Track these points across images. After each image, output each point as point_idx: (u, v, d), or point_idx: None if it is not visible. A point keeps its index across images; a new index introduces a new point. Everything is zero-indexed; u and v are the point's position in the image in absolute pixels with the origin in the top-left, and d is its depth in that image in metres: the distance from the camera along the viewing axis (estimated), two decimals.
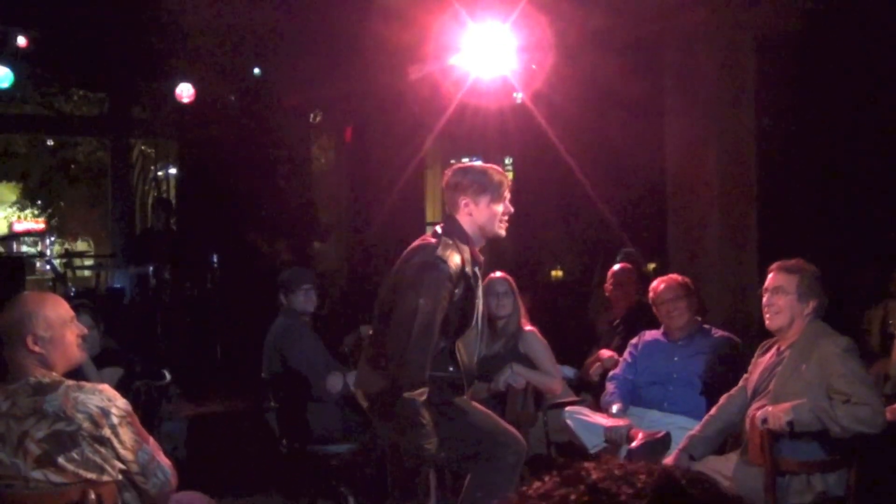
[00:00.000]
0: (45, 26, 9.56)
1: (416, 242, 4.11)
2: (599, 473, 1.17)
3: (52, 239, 20.11)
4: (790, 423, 3.85)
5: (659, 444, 4.70)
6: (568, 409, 5.15)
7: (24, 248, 19.83)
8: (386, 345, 3.95)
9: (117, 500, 3.23)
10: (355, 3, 8.53)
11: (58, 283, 10.85)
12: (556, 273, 10.94)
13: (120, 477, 3.23)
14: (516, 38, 7.29)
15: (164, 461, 3.38)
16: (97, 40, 10.00)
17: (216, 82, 10.91)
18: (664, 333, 5.28)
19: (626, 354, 5.38)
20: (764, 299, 4.25)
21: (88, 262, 14.70)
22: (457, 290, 3.95)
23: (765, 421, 3.92)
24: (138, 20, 9.47)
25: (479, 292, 4.18)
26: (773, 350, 4.28)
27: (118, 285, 11.96)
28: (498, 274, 5.61)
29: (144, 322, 9.70)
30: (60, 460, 3.11)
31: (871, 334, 5.49)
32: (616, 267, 6.45)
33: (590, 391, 5.83)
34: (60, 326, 3.28)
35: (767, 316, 4.22)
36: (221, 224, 10.81)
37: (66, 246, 20.08)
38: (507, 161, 13.02)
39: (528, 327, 5.54)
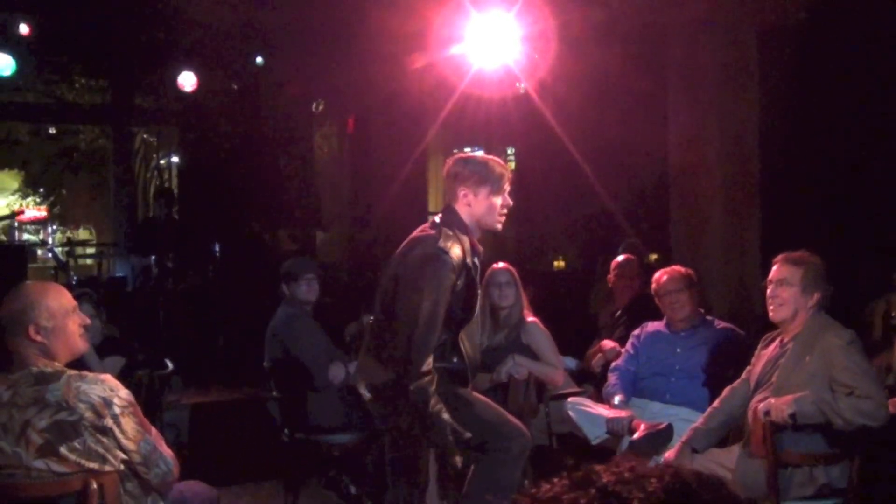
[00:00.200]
0: (47, 14, 9.54)
1: (415, 233, 4.09)
2: (610, 476, 1.16)
3: (55, 227, 20.14)
4: (793, 416, 3.85)
5: (661, 436, 4.69)
6: (570, 400, 5.15)
7: (26, 237, 19.86)
8: (389, 337, 3.94)
9: (119, 490, 3.24)
10: None
11: (60, 271, 10.84)
12: (559, 263, 10.94)
13: (122, 467, 3.23)
14: (520, 28, 7.28)
15: (166, 451, 3.38)
16: (99, 28, 9.98)
17: (218, 71, 10.90)
18: (667, 325, 5.28)
19: (628, 346, 5.38)
20: (768, 291, 4.24)
21: (90, 250, 14.70)
22: (459, 282, 3.94)
23: (767, 413, 3.91)
24: (140, 8, 9.45)
25: (478, 282, 4.17)
26: (777, 342, 4.27)
27: (120, 274, 11.97)
28: (500, 264, 5.60)
29: (146, 311, 9.70)
30: (62, 450, 3.11)
31: (873, 327, 5.49)
32: (619, 258, 6.44)
33: (592, 382, 5.82)
34: (63, 316, 3.28)
35: (771, 308, 4.21)
36: (223, 213, 10.80)
37: (68, 234, 20.08)
38: (510, 151, 13.02)
39: (530, 318, 5.54)
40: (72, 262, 11.77)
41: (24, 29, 9.29)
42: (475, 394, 4.21)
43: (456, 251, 3.91)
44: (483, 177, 4.03)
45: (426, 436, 3.90)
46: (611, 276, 6.40)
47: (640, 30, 7.85)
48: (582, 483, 1.17)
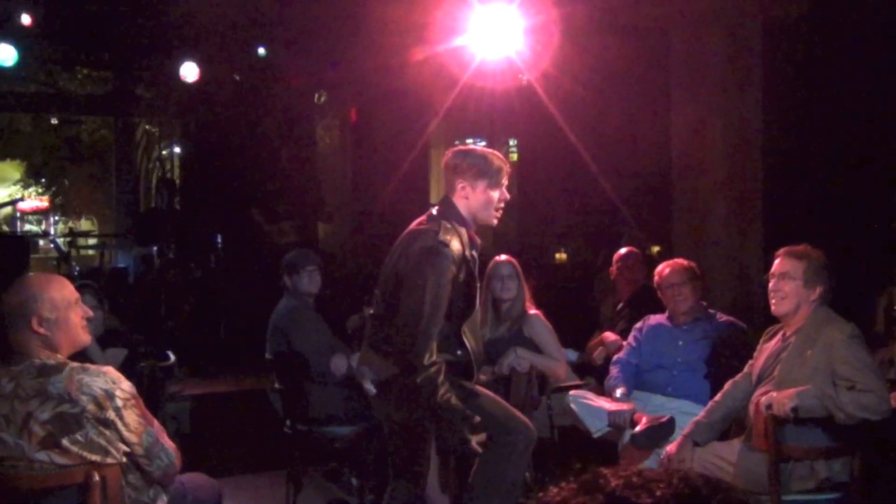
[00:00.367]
0: (49, 4, 9.53)
1: (413, 227, 4.09)
2: (618, 481, 1.15)
3: (56, 218, 20.16)
4: (794, 409, 3.84)
5: (663, 429, 4.70)
6: (572, 393, 5.15)
7: (28, 227, 19.88)
8: (392, 332, 3.95)
9: (121, 483, 3.24)
10: None
11: (62, 262, 10.86)
12: (560, 256, 10.93)
13: (124, 459, 3.24)
14: (522, 20, 7.26)
15: (168, 444, 3.39)
16: (102, 19, 9.96)
17: (221, 62, 10.89)
18: (669, 318, 5.28)
19: (630, 338, 5.38)
20: (770, 285, 4.23)
21: (92, 241, 14.72)
22: (460, 274, 3.94)
23: (769, 407, 3.91)
24: None
25: (477, 275, 4.17)
26: (779, 336, 4.27)
27: (122, 265, 11.98)
28: (503, 257, 5.60)
29: (148, 302, 9.71)
30: (65, 442, 3.11)
31: (876, 320, 5.48)
32: (622, 250, 6.44)
33: (593, 375, 5.82)
34: (65, 308, 3.28)
35: (773, 301, 4.21)
36: (225, 204, 10.80)
37: (70, 225, 20.10)
38: (512, 142, 13.00)
39: (532, 311, 5.53)
40: (74, 252, 11.78)
41: (26, 19, 9.28)
42: (480, 388, 4.21)
43: (455, 244, 3.92)
44: (481, 170, 4.03)
45: (439, 425, 3.90)
46: (613, 269, 6.40)
47: (643, 22, 7.83)
48: (590, 487, 1.16)
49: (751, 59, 7.05)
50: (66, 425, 3.12)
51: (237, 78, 11.46)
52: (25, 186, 20.29)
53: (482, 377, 4.30)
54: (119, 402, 3.19)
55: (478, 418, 3.89)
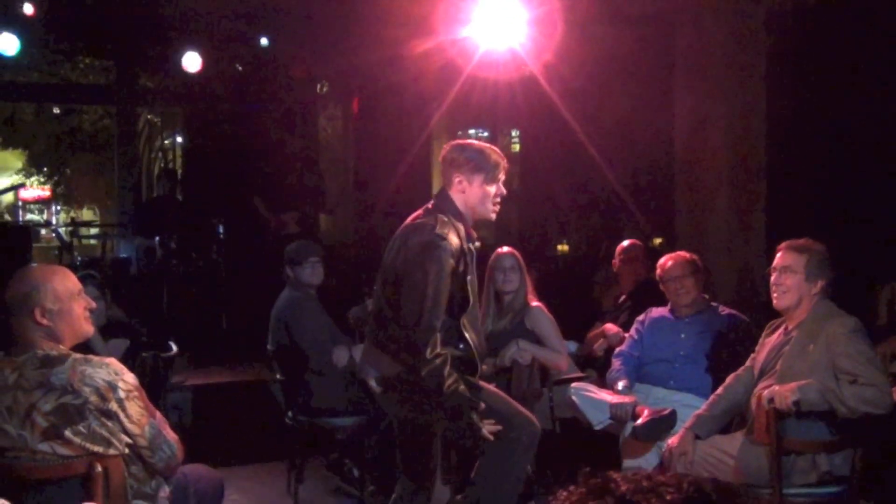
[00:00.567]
0: None
1: (409, 221, 4.10)
2: (628, 485, 1.15)
3: (58, 207, 20.16)
4: (796, 403, 3.85)
5: (664, 422, 4.70)
6: (574, 385, 5.14)
7: (30, 217, 19.88)
8: (395, 328, 3.96)
9: (124, 474, 3.25)
10: None
11: (64, 251, 10.86)
12: (562, 247, 10.92)
13: (126, 451, 3.24)
14: (526, 11, 7.24)
15: (171, 435, 3.39)
16: (104, 8, 9.95)
17: (223, 52, 10.87)
18: (671, 310, 5.28)
19: (632, 331, 5.38)
20: (772, 278, 4.23)
21: (94, 231, 14.72)
22: (459, 267, 3.95)
23: (771, 400, 3.91)
24: None
25: (474, 269, 4.17)
26: (781, 330, 4.27)
27: (124, 255, 11.97)
28: (505, 249, 5.60)
29: (150, 292, 9.71)
30: (67, 433, 3.12)
31: (878, 314, 5.48)
32: (624, 243, 6.43)
33: (595, 367, 5.83)
34: (68, 299, 3.28)
35: (775, 295, 4.21)
36: (227, 195, 10.80)
37: (72, 214, 20.10)
38: (514, 133, 12.97)
39: (534, 303, 5.53)
40: (76, 242, 11.78)
41: (28, 9, 9.27)
42: (485, 384, 4.21)
43: (453, 237, 3.93)
44: (479, 164, 4.04)
45: (448, 417, 3.90)
46: (616, 261, 6.39)
47: (646, 12, 7.81)
48: (599, 491, 1.16)
49: (754, 51, 7.02)
50: (69, 416, 3.12)
51: (239, 68, 11.46)
52: (27, 175, 20.28)
53: (483, 367, 4.31)
54: (122, 394, 3.19)
55: (483, 405, 3.90)
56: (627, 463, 4.85)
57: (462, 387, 3.85)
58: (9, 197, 19.68)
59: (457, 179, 4.05)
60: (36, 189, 20.89)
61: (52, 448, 3.12)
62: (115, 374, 3.21)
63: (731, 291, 6.67)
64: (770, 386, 4.01)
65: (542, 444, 4.32)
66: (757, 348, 4.40)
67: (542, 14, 7.34)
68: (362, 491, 5.74)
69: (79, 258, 10.78)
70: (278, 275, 6.09)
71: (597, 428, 4.98)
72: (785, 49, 6.99)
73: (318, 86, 12.58)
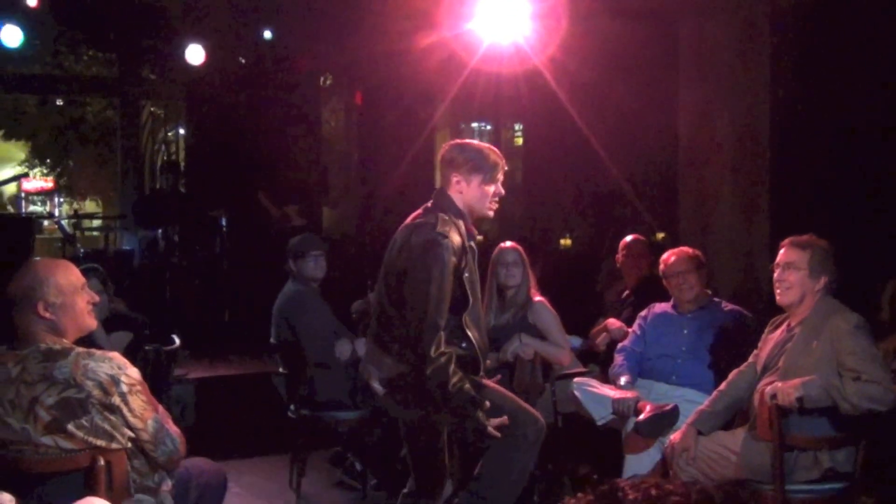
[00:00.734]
0: None
1: (409, 221, 4.11)
2: (636, 494, 1.15)
3: (61, 199, 20.16)
4: (799, 399, 3.84)
5: (667, 417, 4.69)
6: (576, 380, 5.14)
7: (33, 208, 19.90)
8: (398, 329, 3.96)
9: (126, 467, 3.25)
10: None
11: (67, 244, 10.85)
12: (565, 242, 10.91)
13: (129, 445, 3.25)
14: (530, 4, 7.23)
15: (173, 429, 3.39)
16: (108, 0, 9.94)
17: (227, 45, 10.86)
18: (674, 306, 5.27)
19: (635, 326, 5.37)
20: (775, 274, 4.23)
21: (97, 223, 14.72)
22: (461, 265, 3.95)
23: (774, 397, 3.91)
24: None
25: (476, 266, 4.18)
26: (784, 326, 4.26)
27: (127, 247, 11.98)
28: (508, 243, 5.59)
29: (153, 285, 9.71)
30: (70, 427, 3.12)
31: (881, 310, 5.47)
32: (628, 238, 6.41)
33: (597, 362, 5.82)
34: (72, 293, 3.28)
35: (778, 291, 4.20)
36: (230, 187, 10.79)
37: (75, 206, 20.10)
38: (518, 127, 12.97)
39: (537, 298, 5.53)
40: (78, 234, 11.79)
41: (32, 1, 9.26)
42: (488, 382, 4.22)
43: (454, 235, 3.95)
44: (477, 165, 4.05)
45: (454, 416, 3.90)
46: (619, 256, 6.38)
47: (650, 6, 7.79)
48: (608, 500, 1.16)
49: (759, 46, 7.01)
50: (72, 410, 3.12)
51: (243, 61, 11.44)
52: (30, 167, 20.28)
53: (488, 363, 4.31)
54: (124, 388, 3.19)
55: (487, 403, 3.91)
56: (629, 458, 4.85)
57: (467, 385, 3.86)
58: (11, 188, 19.67)
59: (455, 179, 4.07)
60: (39, 180, 20.88)
61: (55, 441, 3.13)
62: (119, 369, 3.21)
63: (734, 287, 6.67)
64: (773, 382, 4.00)
65: (544, 438, 4.32)
66: (760, 344, 4.40)
67: (546, 8, 7.33)
68: (364, 484, 5.75)
69: (82, 250, 10.78)
70: (281, 268, 6.10)
71: (599, 423, 4.98)
72: (789, 44, 6.98)
73: (322, 79, 12.58)
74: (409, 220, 4.11)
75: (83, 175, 20.57)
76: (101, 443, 3.16)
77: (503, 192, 4.15)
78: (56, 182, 20.71)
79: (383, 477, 5.68)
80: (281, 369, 5.89)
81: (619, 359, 5.24)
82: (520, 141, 12.88)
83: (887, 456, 4.15)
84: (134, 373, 3.26)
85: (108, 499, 3.06)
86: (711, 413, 4.39)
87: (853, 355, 3.89)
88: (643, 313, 5.38)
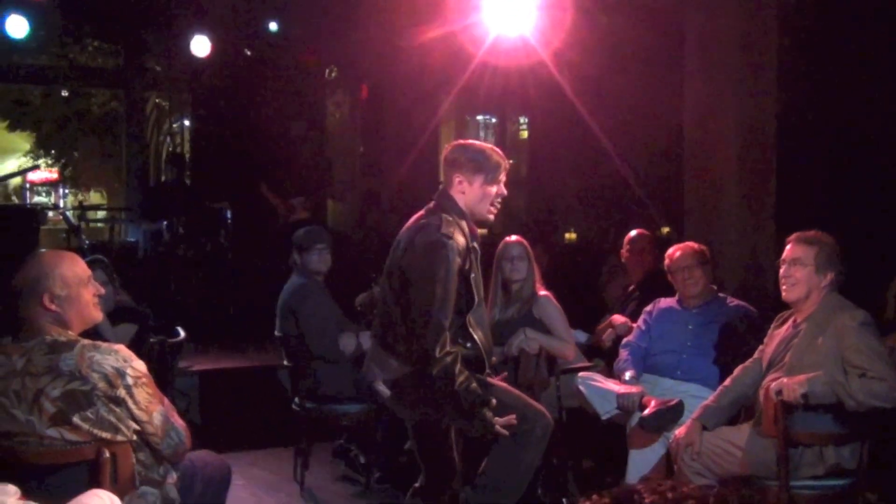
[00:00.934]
0: None
1: (411, 222, 4.11)
2: (652, 496, 1.14)
3: (66, 190, 20.17)
4: (805, 396, 3.84)
5: (671, 412, 4.69)
6: (581, 375, 5.14)
7: (38, 199, 19.91)
8: (402, 330, 3.97)
9: (132, 460, 3.25)
10: None
11: (71, 235, 10.85)
12: (570, 236, 10.90)
13: (134, 437, 3.25)
14: None
15: (179, 422, 3.40)
16: None
17: (232, 36, 10.86)
18: (679, 301, 5.27)
19: (640, 321, 5.37)
20: (781, 271, 4.22)
21: (102, 214, 14.72)
22: (465, 265, 3.96)
23: (779, 393, 3.91)
24: None
25: (479, 267, 4.18)
26: (790, 322, 4.26)
27: (132, 239, 11.98)
28: (513, 238, 5.59)
29: (158, 277, 9.72)
30: (75, 419, 3.12)
31: (887, 307, 5.46)
32: (632, 233, 6.39)
33: (602, 357, 5.82)
34: (77, 285, 3.28)
35: (784, 287, 4.19)
36: (235, 179, 10.79)
37: (80, 197, 20.11)
38: (523, 120, 12.95)
39: (542, 292, 5.52)
40: (83, 225, 11.78)
41: None
42: (493, 380, 4.22)
43: (458, 236, 3.95)
44: (479, 165, 4.06)
45: (461, 415, 3.91)
46: (624, 252, 6.37)
47: (657, 1, 7.77)
48: (624, 502, 1.15)
49: (766, 39, 6.97)
50: (77, 402, 3.13)
51: (248, 53, 11.43)
52: (35, 158, 20.28)
53: (494, 360, 4.32)
54: (130, 381, 3.19)
55: (493, 401, 3.91)
56: (634, 453, 4.85)
57: (473, 384, 3.86)
58: (16, 179, 19.68)
59: (457, 179, 4.07)
60: (44, 171, 20.89)
61: (60, 433, 3.13)
62: (124, 361, 3.21)
63: (740, 282, 6.65)
64: (778, 378, 4.00)
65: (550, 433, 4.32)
66: (765, 340, 4.39)
67: (553, 0, 7.31)
68: (368, 477, 5.76)
69: (86, 241, 10.78)
70: (285, 260, 6.10)
71: (604, 418, 4.98)
72: (796, 38, 6.96)
73: (327, 71, 12.56)
74: (411, 220, 4.12)
75: (88, 166, 20.58)
76: (106, 435, 3.16)
77: (506, 192, 4.16)
78: (61, 173, 20.71)
79: (387, 470, 5.69)
80: (285, 362, 5.89)
81: (623, 354, 5.24)
82: (525, 134, 12.87)
83: (892, 452, 4.15)
84: (139, 365, 3.26)
85: (113, 491, 3.06)
86: (716, 408, 4.39)
87: (859, 352, 3.89)
88: (648, 308, 5.38)
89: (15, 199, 20.10)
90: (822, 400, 3.86)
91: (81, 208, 12.72)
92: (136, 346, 4.69)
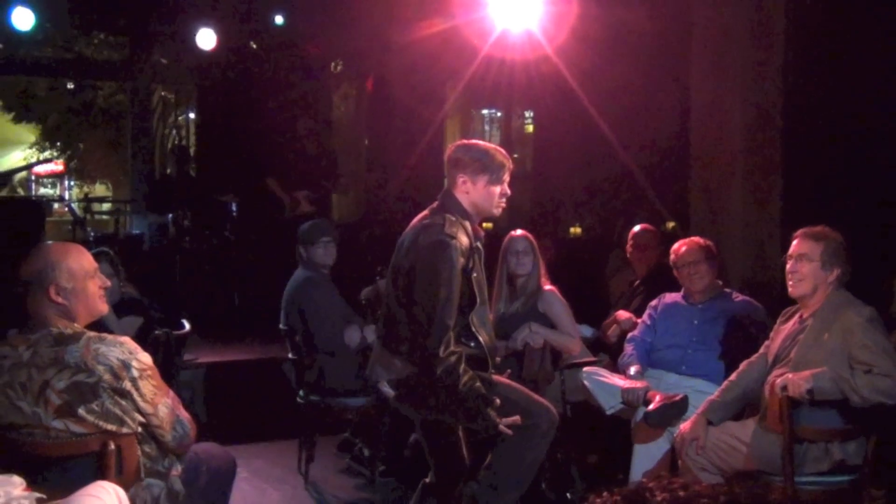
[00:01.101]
0: None
1: (415, 222, 4.12)
2: (664, 494, 1.14)
3: (71, 182, 20.19)
4: (810, 391, 3.83)
5: (676, 407, 4.69)
6: (586, 369, 5.14)
7: (43, 191, 19.94)
8: (406, 330, 3.98)
9: (137, 452, 3.26)
10: None
11: (77, 227, 10.88)
12: (575, 230, 10.89)
13: (139, 429, 3.25)
14: None
15: (184, 415, 3.41)
16: None
17: (238, 29, 10.85)
18: (684, 296, 5.26)
19: (645, 316, 5.36)
20: (787, 266, 4.21)
21: (107, 206, 14.74)
22: (469, 265, 3.97)
23: (784, 388, 3.90)
24: None
25: (482, 267, 4.19)
26: (796, 318, 4.25)
27: (137, 231, 12.00)
28: (518, 232, 5.58)
29: (163, 269, 9.73)
30: (81, 411, 3.13)
31: (893, 303, 5.45)
32: (636, 228, 6.38)
33: (607, 351, 5.81)
34: (83, 278, 3.28)
35: (790, 283, 4.18)
36: (240, 172, 10.80)
37: (86, 189, 20.13)
38: (528, 114, 12.94)
39: (547, 286, 5.52)
40: (88, 217, 11.81)
41: None
42: (497, 377, 4.22)
43: (462, 236, 3.97)
44: (483, 165, 4.07)
45: (465, 415, 3.91)
46: (628, 247, 6.36)
47: None
48: (635, 501, 1.15)
49: (772, 32, 6.96)
50: (83, 394, 3.13)
51: (254, 46, 11.43)
52: (40, 150, 20.30)
53: (498, 359, 4.32)
54: (135, 373, 3.20)
55: (497, 401, 3.91)
56: (638, 448, 4.85)
57: (478, 384, 3.87)
58: (22, 172, 19.69)
59: (461, 180, 4.08)
60: (49, 163, 20.89)
61: (66, 425, 3.14)
62: (129, 353, 3.22)
63: (746, 278, 6.64)
64: (784, 374, 4.00)
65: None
66: (771, 335, 4.38)
67: None
68: (372, 470, 5.76)
69: (92, 234, 10.81)
70: (291, 253, 6.10)
71: (608, 412, 4.98)
72: (803, 30, 6.93)
73: (333, 64, 12.56)
74: (415, 220, 4.13)
75: (93, 158, 20.58)
76: (111, 427, 3.17)
77: (509, 192, 4.17)
78: (66, 165, 20.72)
79: (391, 463, 5.69)
80: (290, 355, 5.89)
81: (628, 348, 5.24)
82: (530, 128, 12.86)
83: None
84: (145, 358, 3.27)
85: (118, 483, 3.06)
86: (722, 403, 4.38)
87: (865, 348, 3.88)
88: (653, 303, 5.37)
89: (20, 191, 20.10)
90: (828, 396, 3.85)
91: (87, 200, 12.75)
92: (142, 339, 4.71)
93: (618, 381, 5.00)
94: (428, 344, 3.84)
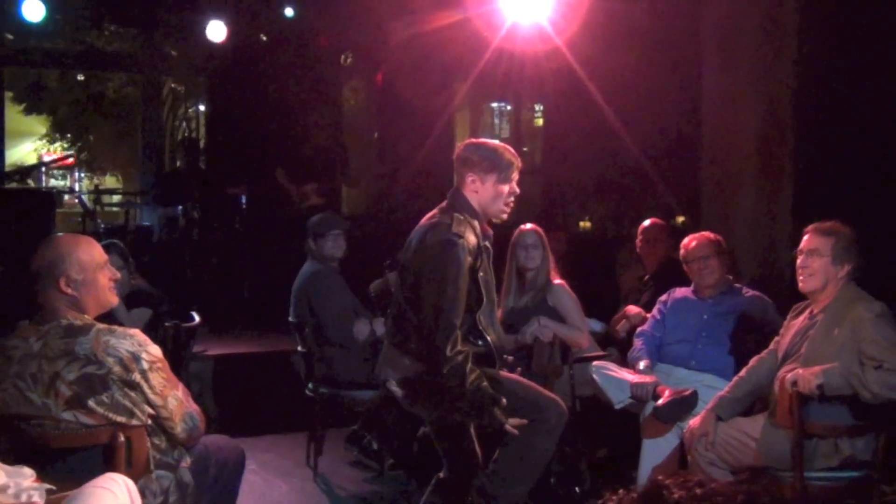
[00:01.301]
0: None
1: (424, 221, 4.13)
2: (681, 492, 1.14)
3: (81, 174, 20.23)
4: (820, 387, 3.82)
5: (685, 402, 4.68)
6: (595, 364, 5.13)
7: (53, 182, 19.97)
8: (413, 329, 3.98)
9: (146, 444, 3.27)
10: None
11: (87, 218, 10.90)
12: (585, 224, 10.87)
13: (149, 421, 3.26)
14: None
15: (193, 407, 3.42)
16: None
17: (248, 21, 10.85)
18: (694, 291, 5.24)
19: (654, 311, 5.35)
20: (798, 261, 4.20)
21: (117, 198, 14.76)
22: (476, 265, 3.97)
23: (794, 384, 3.89)
24: None
25: (491, 266, 4.19)
26: (806, 313, 4.24)
27: (146, 223, 12.02)
28: (528, 226, 5.58)
29: (172, 261, 9.74)
30: (90, 403, 3.14)
31: None
32: (646, 222, 6.37)
33: (617, 346, 5.81)
34: (94, 270, 3.29)
35: (801, 278, 4.17)
36: (250, 165, 10.80)
37: (95, 181, 20.15)
38: (538, 108, 12.90)
39: (557, 280, 5.51)
40: (98, 209, 11.82)
41: None
42: (504, 373, 4.22)
43: (470, 235, 3.98)
44: (493, 164, 4.08)
45: (473, 414, 3.91)
46: (638, 241, 6.35)
47: None
48: (652, 499, 1.15)
49: (785, 27, 6.93)
50: (92, 386, 3.14)
51: (264, 38, 11.42)
52: (51, 141, 20.33)
53: (509, 358, 4.33)
54: (145, 365, 3.21)
55: (504, 400, 3.91)
56: (647, 443, 4.84)
57: (484, 383, 3.88)
58: (31, 160, 19.70)
59: (470, 178, 4.09)
60: (59, 154, 20.91)
61: (76, 417, 3.15)
62: (139, 346, 3.22)
63: (756, 273, 6.62)
64: (794, 369, 3.99)
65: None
66: (781, 331, 4.37)
67: None
68: (381, 464, 5.77)
69: (102, 225, 10.83)
70: (300, 246, 6.10)
71: (617, 407, 4.97)
72: (816, 24, 6.89)
73: (343, 57, 12.54)
74: (424, 219, 4.14)
75: (103, 150, 20.60)
76: (121, 419, 3.18)
77: (518, 190, 4.17)
78: (76, 157, 20.75)
79: (400, 456, 5.70)
80: (299, 348, 5.90)
81: (638, 343, 5.23)
82: (540, 122, 12.81)
83: None
84: (155, 350, 3.28)
85: (127, 475, 3.07)
86: (731, 399, 4.37)
87: (875, 344, 3.86)
88: (663, 298, 5.36)
89: (30, 183, 20.13)
90: (838, 391, 3.84)
91: (97, 192, 12.76)
92: (151, 331, 4.72)
93: (627, 375, 5.00)
94: (435, 343, 3.84)
